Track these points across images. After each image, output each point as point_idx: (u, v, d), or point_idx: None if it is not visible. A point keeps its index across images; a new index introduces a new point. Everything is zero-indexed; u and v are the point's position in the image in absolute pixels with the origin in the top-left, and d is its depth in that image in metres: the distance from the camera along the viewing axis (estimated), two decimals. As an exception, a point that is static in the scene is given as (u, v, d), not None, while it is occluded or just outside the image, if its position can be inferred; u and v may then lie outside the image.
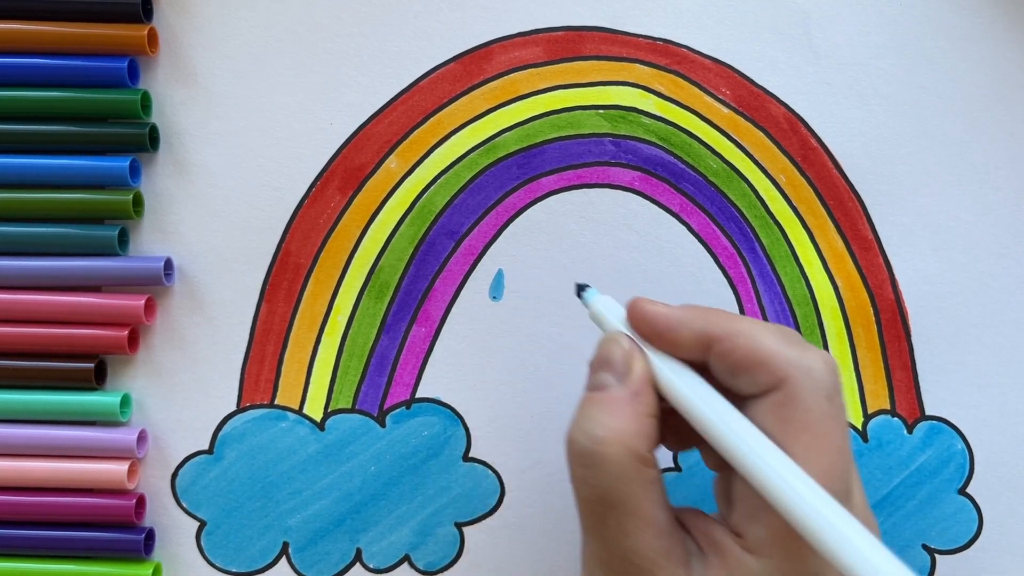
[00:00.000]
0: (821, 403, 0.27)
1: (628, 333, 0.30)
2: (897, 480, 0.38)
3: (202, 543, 0.38)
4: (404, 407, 0.38)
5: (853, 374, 0.38)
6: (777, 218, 0.38)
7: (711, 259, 0.38)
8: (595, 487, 0.28)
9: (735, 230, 0.38)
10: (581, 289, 0.33)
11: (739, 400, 0.28)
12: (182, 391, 0.38)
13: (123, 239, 0.38)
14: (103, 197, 0.37)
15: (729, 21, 0.38)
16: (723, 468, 0.30)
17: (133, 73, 0.37)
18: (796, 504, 0.25)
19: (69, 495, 0.37)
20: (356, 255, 0.38)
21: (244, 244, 0.38)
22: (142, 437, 0.38)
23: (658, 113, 0.38)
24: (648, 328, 0.30)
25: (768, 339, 0.28)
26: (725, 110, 0.38)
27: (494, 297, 0.38)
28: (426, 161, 0.38)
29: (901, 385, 0.38)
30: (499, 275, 0.38)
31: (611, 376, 0.29)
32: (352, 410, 0.38)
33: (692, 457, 0.38)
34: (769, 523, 0.27)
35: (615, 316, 0.31)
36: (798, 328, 0.38)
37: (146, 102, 0.37)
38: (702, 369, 0.29)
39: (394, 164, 0.38)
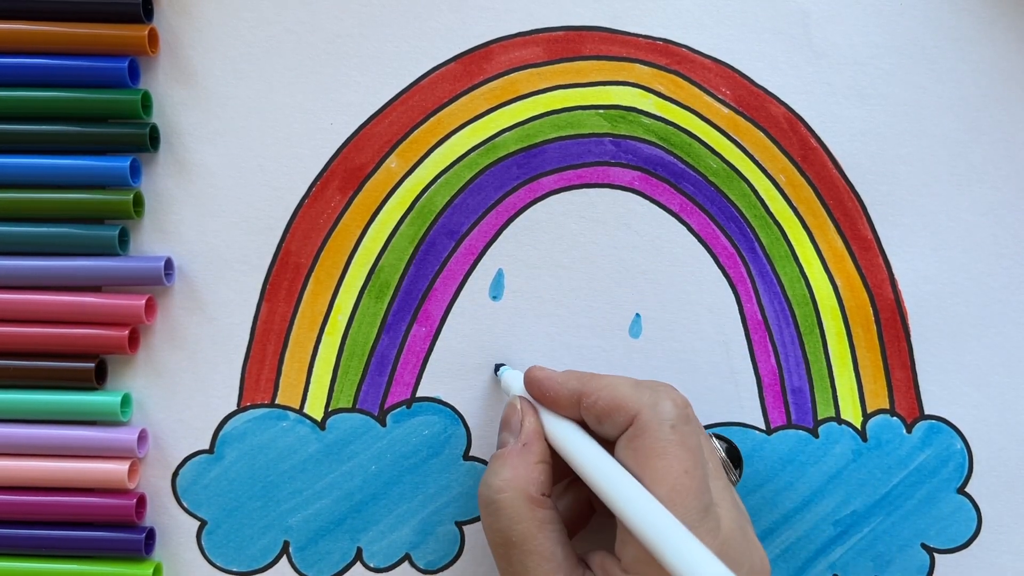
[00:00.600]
0: (665, 432, 0.31)
1: (525, 396, 0.35)
2: (896, 479, 0.38)
3: (203, 542, 0.38)
4: (404, 406, 0.38)
5: (853, 374, 0.38)
6: (777, 218, 0.38)
7: (711, 259, 0.38)
8: (498, 530, 0.32)
9: (735, 230, 0.38)
10: (498, 368, 0.37)
11: (610, 446, 0.32)
12: (182, 391, 0.38)
13: (123, 239, 0.38)
14: (103, 197, 0.37)
15: (729, 21, 0.38)
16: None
17: (133, 73, 0.37)
18: (639, 522, 0.29)
19: (70, 495, 0.37)
20: (356, 255, 0.38)
21: (244, 244, 0.38)
22: (142, 437, 0.38)
23: (658, 113, 0.38)
24: (536, 390, 0.34)
25: (624, 388, 0.32)
26: (725, 110, 0.38)
27: (494, 297, 0.38)
28: (426, 161, 0.38)
29: (900, 385, 0.38)
30: (499, 275, 0.38)
31: (509, 435, 0.34)
32: (353, 409, 0.38)
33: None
34: (637, 545, 0.30)
35: (517, 384, 0.35)
36: (797, 328, 0.38)
37: (146, 102, 0.37)
38: (585, 424, 0.33)
39: (394, 164, 0.38)
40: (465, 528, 0.38)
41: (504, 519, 0.32)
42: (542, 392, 0.34)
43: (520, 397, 0.35)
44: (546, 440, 0.33)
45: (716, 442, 0.36)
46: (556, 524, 0.32)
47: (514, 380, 0.36)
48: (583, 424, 0.33)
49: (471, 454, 0.38)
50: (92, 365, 0.37)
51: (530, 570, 0.31)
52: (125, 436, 0.37)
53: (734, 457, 0.36)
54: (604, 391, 0.32)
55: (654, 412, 0.31)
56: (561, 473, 0.34)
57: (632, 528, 0.29)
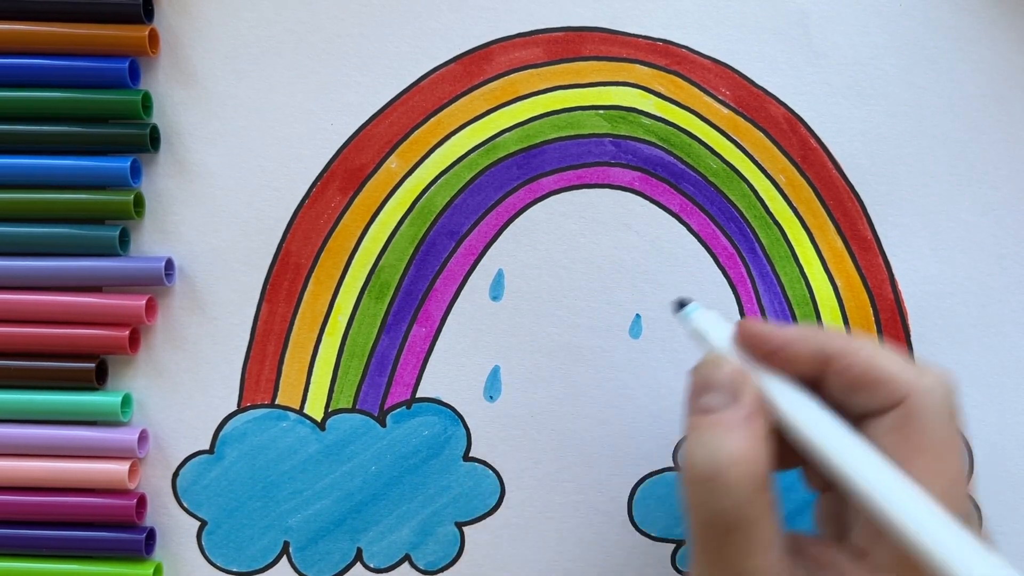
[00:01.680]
0: (943, 423, 0.27)
1: (733, 353, 0.30)
2: (897, 480, 0.38)
3: (203, 543, 0.38)
4: (404, 407, 0.38)
5: (853, 374, 0.38)
6: (777, 218, 0.38)
7: (711, 259, 0.38)
8: (717, 511, 0.27)
9: (735, 230, 0.38)
10: (681, 306, 0.32)
11: (853, 419, 0.28)
12: (183, 391, 0.38)
13: (124, 239, 0.38)
14: (104, 197, 0.37)
15: (729, 21, 0.38)
16: (828, 488, 0.30)
17: (134, 74, 0.37)
18: (919, 529, 0.25)
19: (70, 495, 0.37)
20: (356, 255, 0.38)
21: (245, 244, 0.38)
22: (143, 437, 0.38)
23: (658, 113, 0.38)
24: (762, 347, 0.29)
25: (887, 358, 0.28)
26: (725, 110, 0.38)
27: (494, 297, 0.38)
28: (426, 161, 0.38)
29: (901, 385, 0.38)
30: (499, 275, 0.38)
31: (719, 397, 0.29)
32: (352, 410, 0.38)
33: (692, 457, 0.38)
34: (897, 548, 0.26)
35: (719, 335, 0.31)
36: (798, 328, 0.38)
37: (147, 103, 0.37)
38: (810, 388, 0.29)
39: (394, 164, 0.38)
40: (465, 529, 0.38)
41: (730, 499, 0.27)
42: (773, 348, 0.29)
43: (726, 355, 0.30)
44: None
45: None
46: (776, 509, 0.28)
47: (715, 327, 0.31)
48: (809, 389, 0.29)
49: (471, 455, 0.38)
50: (92, 365, 0.37)
51: (750, 557, 0.27)
52: (125, 436, 0.37)
53: None
54: (861, 356, 0.28)
55: (930, 398, 0.27)
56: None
57: (911, 539, 0.25)
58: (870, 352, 0.28)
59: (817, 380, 0.29)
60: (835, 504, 0.30)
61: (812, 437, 0.28)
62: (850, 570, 0.27)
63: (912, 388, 0.27)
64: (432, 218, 0.38)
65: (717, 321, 0.31)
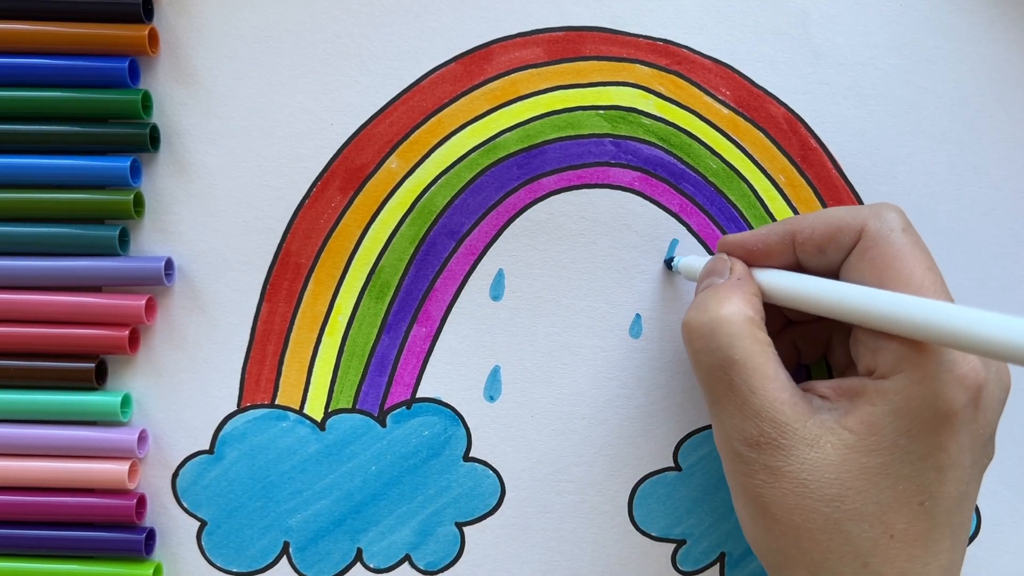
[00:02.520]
0: (898, 236, 0.30)
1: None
2: (897, 479, 0.38)
3: (203, 543, 0.38)
4: (404, 407, 0.38)
5: (853, 374, 0.38)
6: (777, 218, 0.38)
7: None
8: (716, 350, 0.31)
9: (735, 230, 0.38)
10: (669, 263, 0.37)
11: (833, 276, 0.32)
12: (183, 391, 0.38)
13: (124, 239, 0.38)
14: (104, 197, 0.37)
15: (729, 21, 0.38)
16: (830, 344, 0.35)
17: (134, 73, 0.37)
18: (912, 314, 0.27)
19: (70, 495, 0.37)
20: (357, 255, 0.38)
21: (245, 244, 0.38)
22: (143, 437, 0.38)
23: (658, 113, 0.38)
24: (741, 248, 0.34)
25: (839, 211, 0.32)
26: (725, 110, 0.38)
27: (494, 297, 0.38)
28: (427, 161, 0.38)
29: (901, 385, 0.38)
30: (499, 275, 0.38)
31: (716, 277, 0.33)
32: (352, 410, 0.38)
33: (692, 456, 0.38)
34: (893, 347, 0.29)
35: (704, 258, 0.35)
36: (798, 328, 0.38)
37: (147, 102, 0.37)
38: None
39: (395, 164, 0.38)
40: (465, 529, 0.38)
41: (724, 337, 0.30)
42: (748, 248, 0.33)
43: (719, 255, 0.34)
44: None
45: None
46: (775, 351, 0.31)
47: (700, 260, 0.35)
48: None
49: (471, 455, 0.38)
50: (92, 365, 0.37)
51: (755, 390, 0.30)
52: (125, 436, 0.37)
53: None
54: (819, 219, 0.32)
55: (882, 222, 0.31)
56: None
57: (898, 324, 0.28)
58: (824, 213, 0.32)
59: (794, 265, 0.33)
60: (840, 351, 0.34)
61: (799, 292, 0.31)
62: (866, 385, 0.30)
63: (864, 219, 0.31)
64: (432, 218, 0.38)
65: (699, 256, 0.36)
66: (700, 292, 0.33)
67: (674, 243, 0.38)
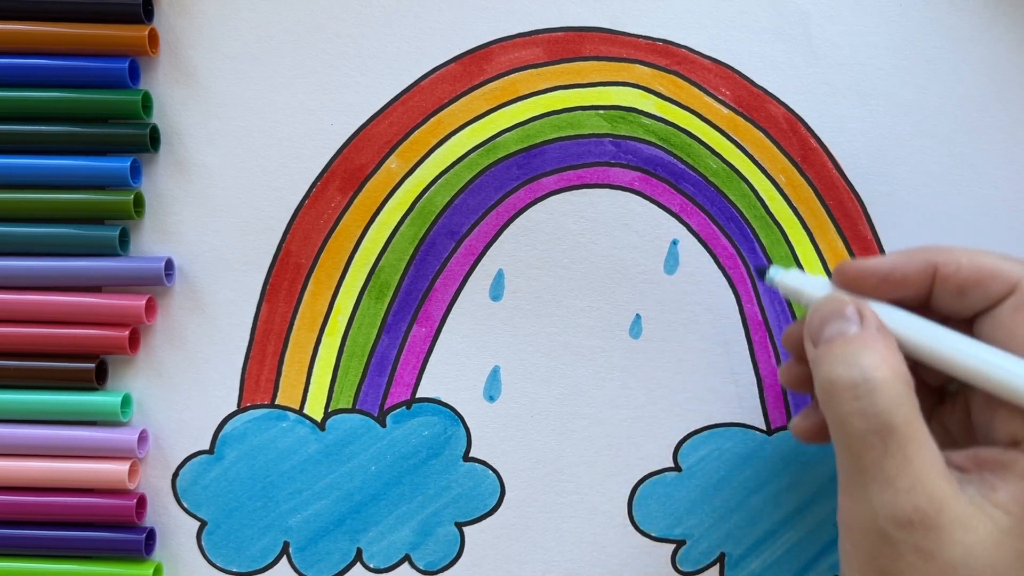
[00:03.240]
0: None
1: (840, 293, 0.31)
2: (897, 480, 0.38)
3: (203, 543, 0.38)
4: (404, 407, 0.38)
5: (853, 374, 0.38)
6: (777, 218, 0.38)
7: (711, 259, 0.38)
8: (873, 415, 0.27)
9: (735, 230, 0.38)
10: (762, 272, 0.34)
11: (965, 323, 0.30)
12: (183, 391, 0.38)
13: (124, 239, 0.38)
14: (104, 197, 0.37)
15: (729, 21, 0.38)
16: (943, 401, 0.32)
17: (134, 74, 0.37)
18: None
19: (70, 495, 0.37)
20: (356, 255, 0.38)
21: (244, 244, 0.38)
22: (143, 437, 0.38)
23: (658, 113, 0.38)
24: (870, 279, 0.30)
25: (990, 255, 0.29)
26: (725, 110, 0.38)
27: (494, 297, 0.38)
28: (426, 161, 0.38)
29: (901, 385, 0.38)
30: (499, 275, 0.38)
31: (845, 324, 0.29)
32: (352, 410, 0.38)
33: (692, 457, 0.38)
34: None
35: (816, 285, 0.32)
36: (798, 328, 0.38)
37: (147, 102, 0.37)
38: (919, 309, 0.30)
39: (394, 164, 0.38)
40: (465, 529, 0.38)
41: (883, 400, 0.27)
42: (879, 278, 0.30)
43: (837, 294, 0.31)
44: None
45: None
46: (924, 423, 0.28)
47: (810, 282, 0.32)
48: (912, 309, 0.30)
49: (471, 455, 0.38)
50: (92, 365, 0.37)
51: (912, 460, 0.26)
52: (125, 436, 0.37)
53: None
54: (965, 257, 0.29)
55: None
56: None
57: None
58: (973, 252, 0.29)
59: (923, 299, 0.30)
60: (961, 415, 0.31)
61: (938, 346, 0.29)
62: (1014, 459, 0.27)
63: (1021, 274, 0.28)
64: (432, 218, 0.38)
65: (803, 276, 0.33)
66: (833, 341, 0.29)
67: (674, 244, 0.37)
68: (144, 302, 0.37)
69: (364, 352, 0.38)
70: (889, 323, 0.30)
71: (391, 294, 0.38)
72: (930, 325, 0.29)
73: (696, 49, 0.38)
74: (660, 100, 0.38)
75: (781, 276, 0.33)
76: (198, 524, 0.38)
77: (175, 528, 0.38)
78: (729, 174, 0.38)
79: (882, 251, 0.38)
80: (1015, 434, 0.28)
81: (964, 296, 0.29)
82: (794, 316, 0.38)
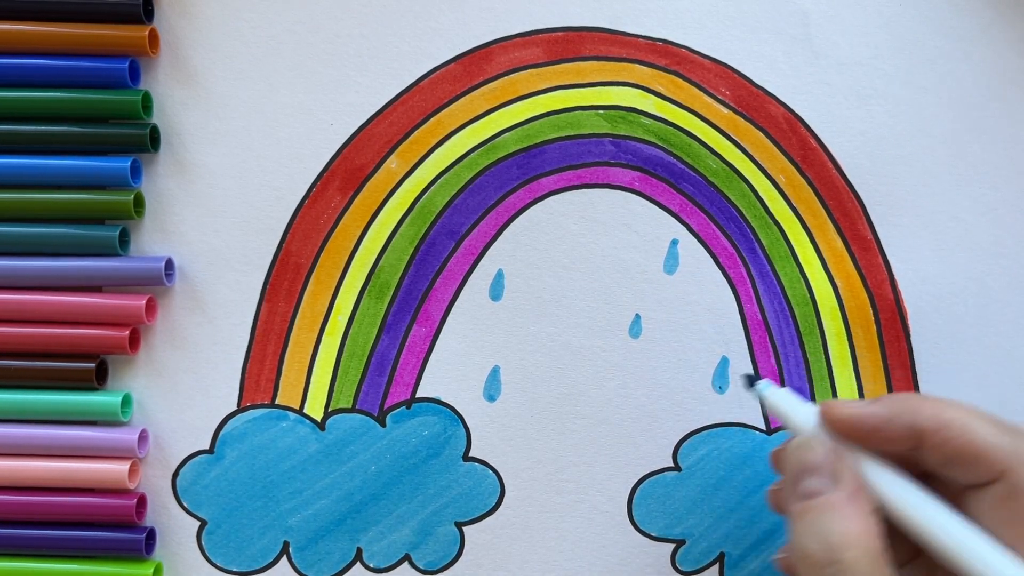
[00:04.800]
0: None
1: (820, 432, 0.30)
2: (897, 480, 0.38)
3: (203, 543, 0.38)
4: (404, 407, 0.38)
5: (853, 374, 0.38)
6: (777, 218, 0.38)
7: (711, 259, 0.38)
8: None
9: (735, 230, 0.38)
10: (752, 382, 0.33)
11: (952, 489, 0.28)
12: (183, 391, 0.38)
13: (124, 239, 0.38)
14: (104, 197, 0.37)
15: (729, 21, 0.38)
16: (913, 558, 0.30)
17: (134, 74, 0.37)
18: None
19: (70, 495, 0.37)
20: (356, 255, 0.38)
21: (244, 244, 0.38)
22: (143, 437, 0.38)
23: (658, 113, 0.38)
24: (853, 430, 0.29)
25: (982, 429, 0.28)
26: (725, 110, 0.38)
27: (494, 297, 0.38)
28: (426, 161, 0.38)
29: (900, 385, 0.38)
30: (499, 275, 0.38)
31: (819, 480, 0.29)
32: (352, 410, 0.38)
33: (692, 457, 0.38)
34: None
35: (802, 415, 0.31)
36: (797, 328, 0.38)
37: (147, 103, 0.37)
38: (903, 461, 0.29)
39: (394, 164, 0.38)
40: (465, 529, 0.38)
41: None
42: (863, 432, 0.29)
43: (816, 439, 0.30)
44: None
45: None
46: None
47: (797, 410, 0.31)
48: (899, 460, 0.29)
49: (471, 455, 0.38)
50: (92, 365, 0.37)
51: None
52: (125, 436, 0.37)
53: None
54: (955, 430, 0.28)
55: None
56: None
57: None
58: (963, 425, 0.28)
59: (910, 455, 0.29)
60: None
61: (914, 517, 0.28)
62: None
63: (1012, 461, 0.27)
64: (432, 218, 0.38)
65: (793, 399, 0.32)
66: (806, 507, 0.28)
67: (674, 244, 0.37)
68: (144, 302, 0.37)
69: (364, 352, 0.38)
70: (870, 481, 0.29)
71: (391, 294, 0.38)
72: (912, 491, 0.28)
73: (696, 49, 0.38)
74: (660, 100, 0.38)
75: (770, 394, 0.32)
76: (198, 524, 0.38)
77: (175, 528, 0.38)
78: (729, 174, 0.38)
79: (882, 251, 0.38)
80: None
81: (950, 468, 0.28)
82: (794, 316, 0.38)
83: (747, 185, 0.38)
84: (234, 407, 0.38)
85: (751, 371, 0.34)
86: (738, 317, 0.38)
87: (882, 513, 0.29)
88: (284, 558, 0.38)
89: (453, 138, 0.38)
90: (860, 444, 0.29)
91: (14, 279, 0.37)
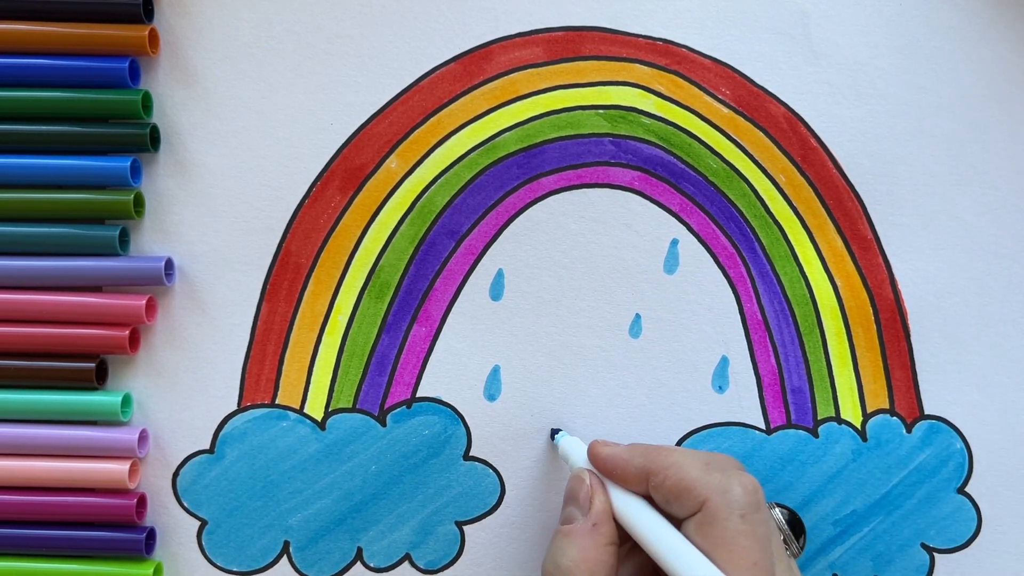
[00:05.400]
0: (735, 522, 0.31)
1: (590, 469, 0.35)
2: (896, 479, 0.38)
3: (203, 542, 0.38)
4: (404, 406, 0.38)
5: (852, 373, 0.38)
6: (777, 218, 0.38)
7: (711, 259, 0.38)
8: None
9: (735, 230, 0.38)
10: (554, 433, 0.38)
11: (677, 523, 0.32)
12: (183, 391, 0.38)
13: (124, 239, 0.38)
14: (104, 197, 0.37)
15: (729, 21, 0.38)
16: None
17: (134, 74, 0.37)
18: None
19: (70, 495, 0.37)
20: (356, 255, 0.38)
21: (245, 244, 0.38)
22: (143, 437, 0.38)
23: (658, 113, 0.38)
24: (601, 467, 0.34)
25: (693, 469, 0.32)
26: (725, 110, 0.38)
27: (494, 297, 0.38)
28: (426, 161, 0.38)
29: (900, 384, 0.38)
30: (499, 275, 0.38)
31: (576, 510, 0.34)
32: (353, 409, 0.38)
33: (692, 456, 0.38)
34: None
35: (579, 455, 0.35)
36: (797, 328, 0.38)
37: (147, 102, 0.37)
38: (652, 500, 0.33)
39: (394, 164, 0.38)
40: (465, 528, 0.38)
41: None
42: (608, 469, 0.34)
43: (586, 470, 0.35)
44: (614, 517, 0.33)
45: (778, 511, 0.36)
46: None
47: (575, 450, 0.36)
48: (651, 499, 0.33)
49: (471, 454, 0.38)
50: (92, 365, 0.37)
51: None
52: (125, 436, 0.37)
53: (796, 527, 0.36)
54: (672, 471, 0.32)
55: (724, 499, 0.31)
56: (624, 538, 0.34)
57: None
58: (679, 466, 0.32)
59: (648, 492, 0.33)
60: None
61: (644, 539, 0.32)
62: None
63: (709, 492, 0.31)
64: (432, 218, 0.38)
65: (577, 442, 0.36)
66: (558, 529, 0.33)
67: (674, 243, 0.37)
68: (144, 302, 0.37)
69: (364, 352, 0.38)
70: (619, 509, 0.33)
71: (391, 294, 0.38)
72: (652, 518, 0.32)
73: (696, 49, 0.38)
74: (660, 100, 0.38)
75: (562, 440, 0.37)
76: (198, 524, 0.38)
77: (175, 528, 0.38)
78: (729, 174, 0.38)
79: (882, 251, 0.38)
80: None
81: (669, 504, 0.32)
82: (794, 316, 0.38)
83: (747, 185, 0.38)
84: (234, 407, 0.38)
85: (557, 429, 0.38)
86: (738, 317, 0.38)
87: (620, 532, 0.33)
88: (284, 558, 0.38)
89: (453, 138, 0.38)
90: (611, 479, 0.34)
91: (14, 279, 0.37)
